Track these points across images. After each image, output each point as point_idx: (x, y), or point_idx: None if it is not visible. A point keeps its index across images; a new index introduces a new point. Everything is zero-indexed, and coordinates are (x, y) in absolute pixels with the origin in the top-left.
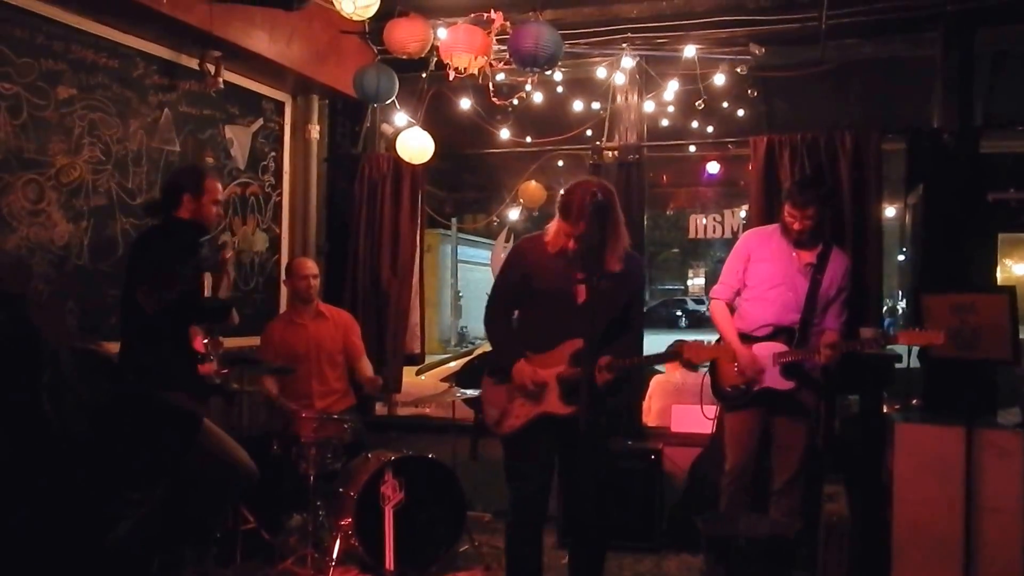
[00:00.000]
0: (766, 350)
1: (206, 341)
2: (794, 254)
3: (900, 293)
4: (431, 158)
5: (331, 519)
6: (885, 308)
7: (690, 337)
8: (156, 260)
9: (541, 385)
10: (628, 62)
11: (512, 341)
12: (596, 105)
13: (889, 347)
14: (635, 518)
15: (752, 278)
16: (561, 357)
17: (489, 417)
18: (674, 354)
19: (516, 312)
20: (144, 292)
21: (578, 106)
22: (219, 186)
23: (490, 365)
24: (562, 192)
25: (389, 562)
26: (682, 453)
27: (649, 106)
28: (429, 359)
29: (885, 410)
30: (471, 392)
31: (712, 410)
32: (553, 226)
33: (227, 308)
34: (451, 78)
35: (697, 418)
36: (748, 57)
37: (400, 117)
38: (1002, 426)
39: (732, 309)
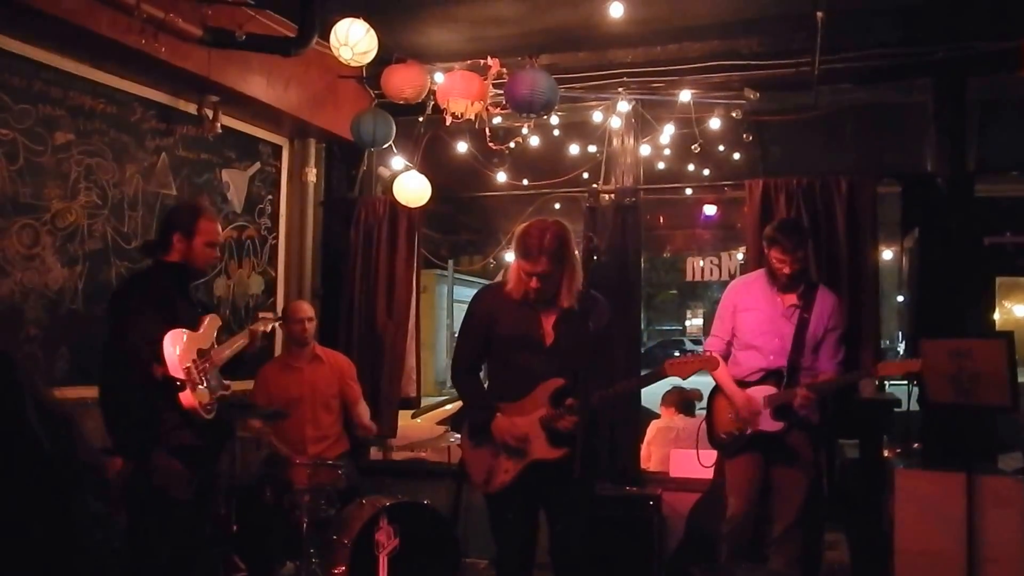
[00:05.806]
0: (758, 393)
1: (189, 365)
2: (778, 299)
3: (900, 335)
4: (428, 201)
5: (324, 567)
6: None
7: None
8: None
9: (523, 439)
10: (624, 106)
11: (484, 396)
12: (592, 148)
13: (883, 383)
14: (633, 565)
15: (740, 327)
16: (538, 401)
17: (476, 478)
18: (658, 372)
19: (484, 364)
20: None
21: (574, 149)
22: (217, 228)
23: (466, 426)
24: (517, 232)
25: None
26: (681, 498)
27: (645, 149)
28: (425, 401)
29: (885, 454)
30: None
31: (709, 457)
32: (513, 272)
33: None
34: (448, 123)
35: (696, 463)
36: (742, 101)
37: (397, 161)
38: (1003, 472)
39: (726, 358)
